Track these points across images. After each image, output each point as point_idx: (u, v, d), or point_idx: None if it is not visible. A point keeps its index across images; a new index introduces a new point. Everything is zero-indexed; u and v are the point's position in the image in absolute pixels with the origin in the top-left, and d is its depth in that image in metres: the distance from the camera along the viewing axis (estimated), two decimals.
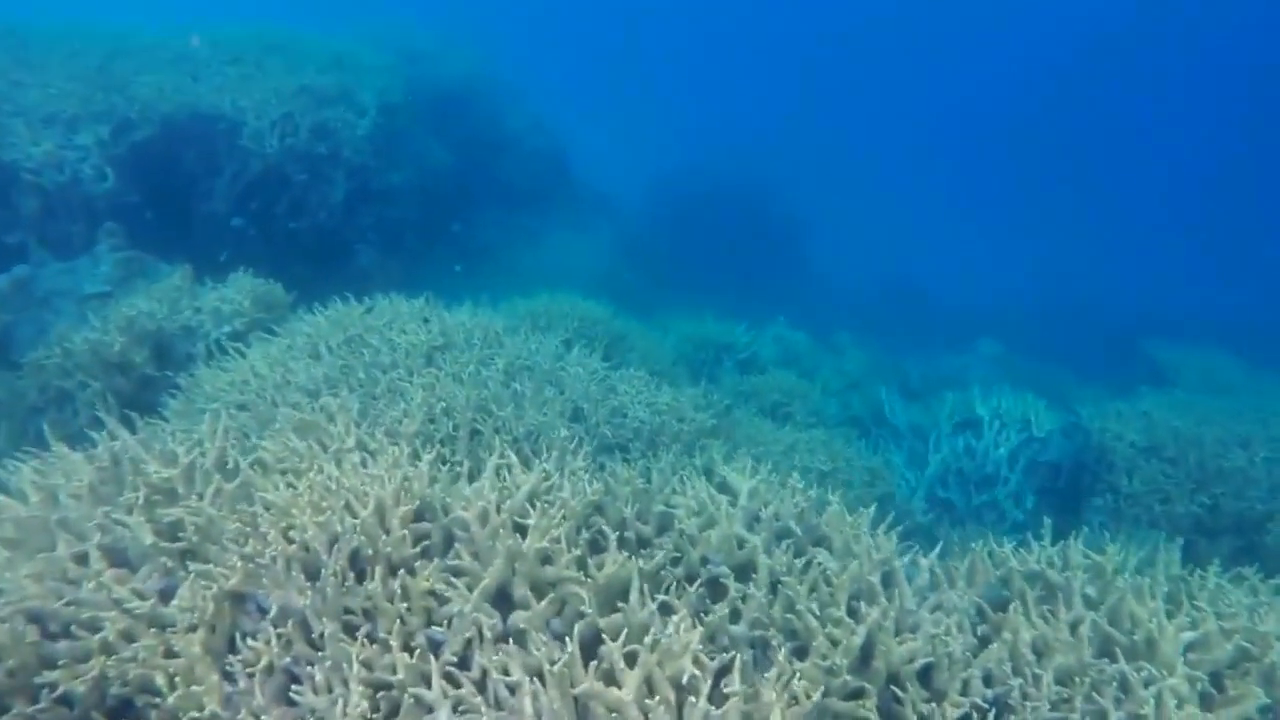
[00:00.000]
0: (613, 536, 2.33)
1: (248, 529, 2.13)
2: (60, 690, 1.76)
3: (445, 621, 1.95)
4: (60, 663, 1.85)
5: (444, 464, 2.77)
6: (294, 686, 1.70)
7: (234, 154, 7.26)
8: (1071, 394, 7.38)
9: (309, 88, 7.86)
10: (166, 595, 2.12)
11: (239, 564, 1.92)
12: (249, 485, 2.47)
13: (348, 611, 1.90)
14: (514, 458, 2.66)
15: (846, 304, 14.65)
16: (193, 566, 2.08)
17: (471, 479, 2.60)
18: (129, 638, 1.90)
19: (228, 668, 1.79)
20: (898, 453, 5.54)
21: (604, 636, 1.84)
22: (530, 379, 4.02)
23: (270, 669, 1.75)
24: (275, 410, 3.38)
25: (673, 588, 2.25)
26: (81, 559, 2.15)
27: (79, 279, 5.64)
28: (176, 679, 1.77)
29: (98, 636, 1.89)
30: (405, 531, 2.07)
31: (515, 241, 13.17)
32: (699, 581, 2.32)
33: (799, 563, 2.46)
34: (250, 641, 1.80)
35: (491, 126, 13.54)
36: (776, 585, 2.38)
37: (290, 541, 1.99)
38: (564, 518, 2.29)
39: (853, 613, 2.19)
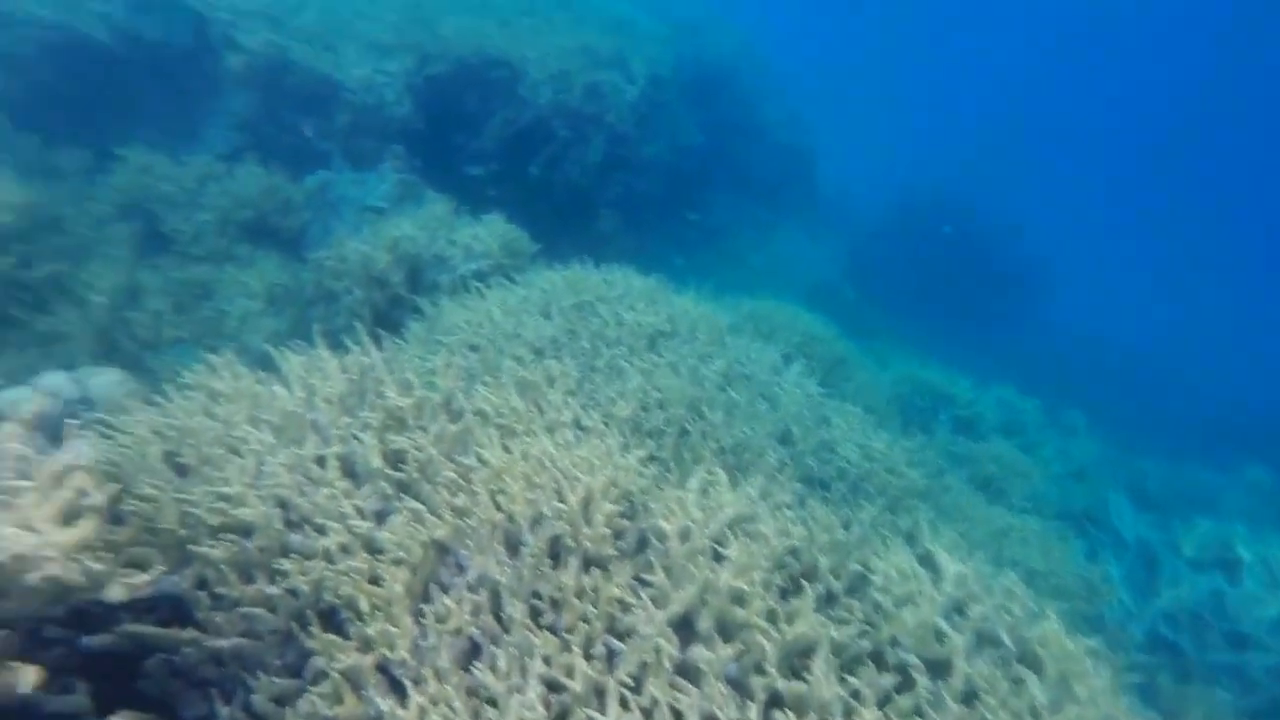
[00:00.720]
0: (810, 594, 2.18)
1: (462, 481, 2.21)
2: (290, 583, 1.91)
3: (626, 634, 1.90)
4: (293, 555, 2.01)
5: (650, 460, 2.74)
6: (475, 663, 1.73)
7: (510, 101, 7.69)
8: None
9: (589, 48, 8.13)
10: (381, 518, 2.26)
11: (449, 518, 1.97)
12: (469, 432, 2.57)
13: (536, 595, 1.91)
14: (722, 475, 2.57)
15: (1085, 369, 13.23)
16: (407, 501, 2.18)
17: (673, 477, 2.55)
18: (346, 552, 2.03)
19: (420, 616, 1.86)
20: (1117, 566, 4.88)
21: (785, 708, 1.71)
22: (746, 388, 3.92)
23: (458, 631, 1.79)
24: (501, 359, 3.52)
25: (860, 668, 2.08)
26: (322, 462, 2.33)
27: (364, 192, 6.24)
28: (377, 610, 1.85)
29: (323, 542, 2.04)
30: (607, 531, 2.04)
31: (744, 232, 13.07)
32: (888, 667, 2.13)
33: (1004, 682, 2.19)
34: (445, 599, 1.86)
35: (746, 112, 13.46)
36: (972, 699, 2.13)
37: (499, 509, 2.03)
38: (764, 558, 2.18)
39: None
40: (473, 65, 7.36)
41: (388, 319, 4.43)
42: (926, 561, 2.79)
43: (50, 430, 2.29)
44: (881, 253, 15.36)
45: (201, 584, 2.10)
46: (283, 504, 2.20)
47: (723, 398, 3.73)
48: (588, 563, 2.05)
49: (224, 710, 1.92)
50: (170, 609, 2.09)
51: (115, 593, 1.49)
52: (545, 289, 4.31)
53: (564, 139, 7.61)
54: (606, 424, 2.90)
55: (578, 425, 2.78)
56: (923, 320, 12.79)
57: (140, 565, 1.98)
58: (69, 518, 1.54)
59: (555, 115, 7.51)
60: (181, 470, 2.39)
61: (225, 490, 2.17)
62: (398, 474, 2.29)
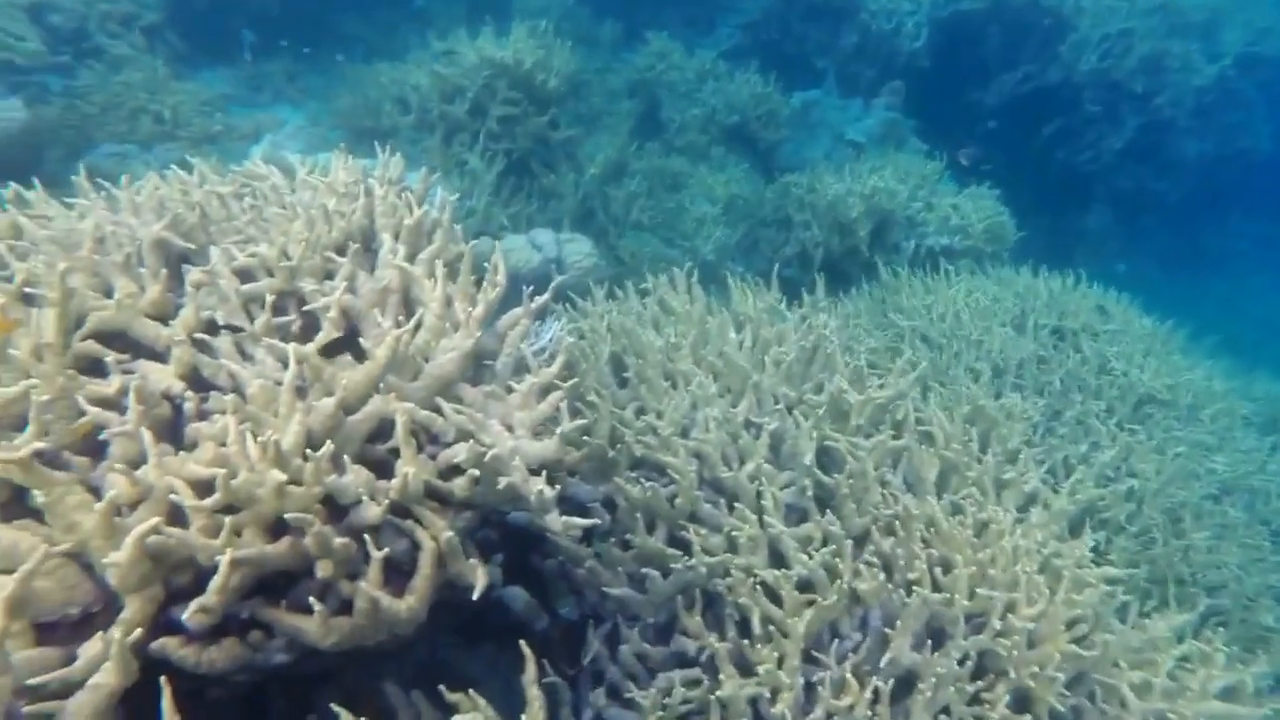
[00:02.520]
0: None
1: (899, 526, 1.90)
2: (692, 560, 1.81)
3: None
4: (699, 525, 1.92)
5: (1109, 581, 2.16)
6: None
7: (1039, 56, 6.65)
8: None
9: (1171, 6, 6.60)
10: (791, 514, 2.06)
11: (880, 578, 1.68)
12: (907, 451, 2.25)
13: (945, 711, 1.57)
14: (1219, 654, 1.92)
15: None
16: (828, 517, 1.95)
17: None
18: (752, 545, 1.87)
19: (812, 660, 1.64)
20: None
21: None
22: (1248, 507, 3.00)
23: (850, 711, 1.53)
24: (957, 367, 3.08)
25: None
26: (754, 431, 2.18)
27: (845, 120, 5.93)
28: (769, 636, 1.67)
29: (730, 525, 1.91)
30: (1056, 675, 1.60)
31: (1243, 253, 10.32)
32: None
33: None
34: (846, 669, 1.60)
35: None
36: None
37: (936, 588, 1.69)
38: None
39: None
40: (1014, 7, 6.44)
41: (837, 269, 4.18)
42: None
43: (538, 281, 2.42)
44: None
45: (610, 503, 2.12)
46: (701, 458, 2.11)
47: (1216, 512, 2.89)
48: (1014, 692, 1.64)
49: (594, 639, 1.93)
50: (577, 510, 2.16)
51: (554, 523, 1.49)
52: (1021, 294, 3.68)
53: (1088, 114, 6.43)
54: (1074, 497, 2.35)
55: (1032, 496, 2.28)
56: None
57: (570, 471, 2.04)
58: (538, 432, 1.57)
59: (1090, 84, 6.34)
60: (622, 381, 2.43)
61: (657, 424, 2.13)
62: (825, 478, 2.06)
